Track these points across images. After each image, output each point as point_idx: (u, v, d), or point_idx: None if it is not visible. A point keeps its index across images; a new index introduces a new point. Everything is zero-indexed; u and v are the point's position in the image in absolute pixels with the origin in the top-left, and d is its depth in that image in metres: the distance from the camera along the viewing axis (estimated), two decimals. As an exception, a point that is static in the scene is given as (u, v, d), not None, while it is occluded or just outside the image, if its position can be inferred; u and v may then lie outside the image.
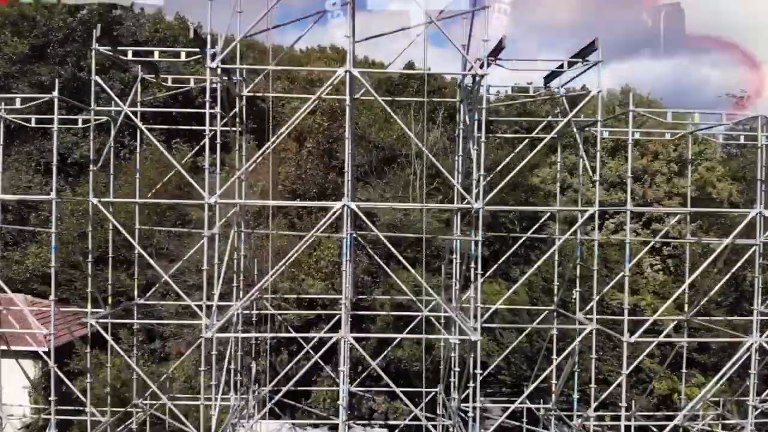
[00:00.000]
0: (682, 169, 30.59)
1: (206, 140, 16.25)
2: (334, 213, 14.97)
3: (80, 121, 19.94)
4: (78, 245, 33.32)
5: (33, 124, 19.37)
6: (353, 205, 14.89)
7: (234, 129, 19.45)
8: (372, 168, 33.58)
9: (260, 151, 16.34)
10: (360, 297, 27.66)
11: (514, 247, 22.03)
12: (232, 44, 15.77)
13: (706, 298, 20.00)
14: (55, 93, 16.84)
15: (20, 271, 32.38)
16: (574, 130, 18.50)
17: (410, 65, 37.45)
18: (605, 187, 30.87)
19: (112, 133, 18.85)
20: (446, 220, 30.31)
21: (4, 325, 24.20)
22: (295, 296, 25.88)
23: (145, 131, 18.12)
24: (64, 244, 32.84)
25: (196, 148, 26.34)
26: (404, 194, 31.16)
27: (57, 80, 19.91)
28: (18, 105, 17.72)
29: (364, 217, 15.39)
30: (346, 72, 14.63)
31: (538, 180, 33.74)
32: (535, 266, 21.44)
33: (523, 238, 23.09)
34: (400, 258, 16.40)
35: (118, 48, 17.92)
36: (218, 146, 16.47)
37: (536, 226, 23.77)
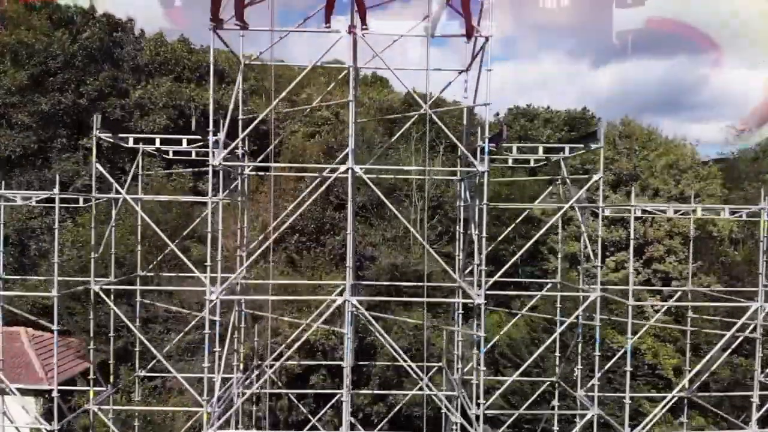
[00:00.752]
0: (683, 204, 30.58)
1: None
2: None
3: (81, 200, 19.64)
4: (79, 277, 33.36)
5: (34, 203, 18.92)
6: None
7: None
8: (372, 205, 33.51)
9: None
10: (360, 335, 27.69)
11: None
12: (239, 138, 15.58)
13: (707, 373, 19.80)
14: (56, 190, 16.50)
15: (21, 303, 32.32)
16: (577, 213, 18.25)
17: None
18: (605, 223, 30.87)
19: (113, 214, 18.56)
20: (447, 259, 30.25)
21: (6, 365, 24.08)
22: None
23: (145, 217, 17.86)
24: (65, 276, 32.84)
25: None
26: (405, 233, 31.12)
27: (57, 177, 18.91)
28: (19, 202, 17.43)
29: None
30: (348, 169, 14.53)
31: (539, 211, 33.70)
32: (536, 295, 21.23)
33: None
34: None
35: (119, 135, 17.70)
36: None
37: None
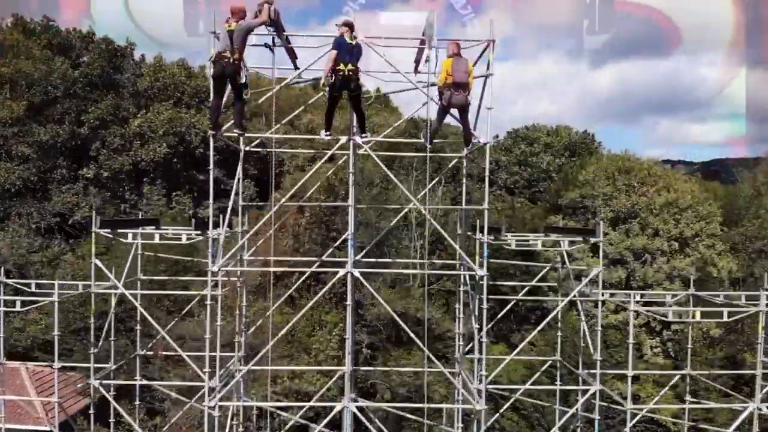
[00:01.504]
0: (682, 246, 30.56)
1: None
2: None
3: (80, 287, 19.56)
4: (80, 311, 33.43)
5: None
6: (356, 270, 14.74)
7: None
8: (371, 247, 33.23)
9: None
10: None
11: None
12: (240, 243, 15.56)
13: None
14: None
15: (21, 338, 32.44)
16: (578, 304, 18.15)
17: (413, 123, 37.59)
18: (605, 263, 30.84)
19: (112, 305, 18.49)
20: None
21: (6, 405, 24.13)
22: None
23: (144, 313, 17.77)
24: (65, 312, 32.92)
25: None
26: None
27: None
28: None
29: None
30: (347, 273, 14.49)
31: (539, 246, 33.62)
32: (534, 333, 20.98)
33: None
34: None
35: (118, 231, 17.66)
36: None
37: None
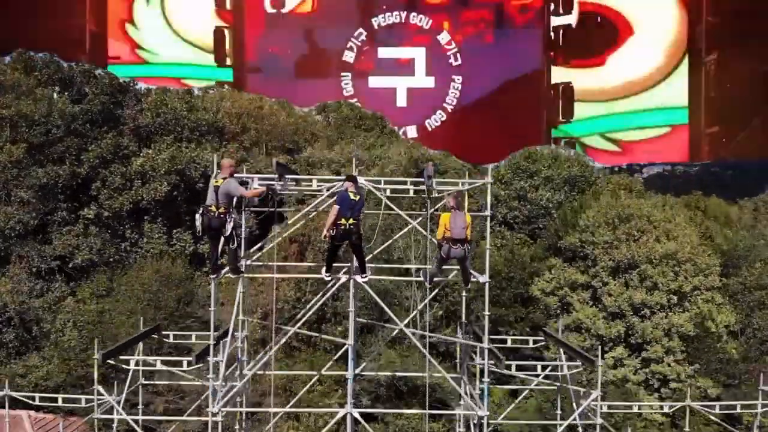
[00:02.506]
0: (681, 300, 30.70)
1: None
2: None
3: (83, 401, 19.60)
4: (80, 357, 33.62)
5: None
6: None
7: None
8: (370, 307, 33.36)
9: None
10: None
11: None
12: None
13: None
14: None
15: (23, 384, 32.60)
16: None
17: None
18: (605, 316, 31.01)
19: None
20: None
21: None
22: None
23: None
24: (65, 360, 33.12)
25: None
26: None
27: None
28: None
29: None
30: (346, 413, 14.69)
31: (539, 291, 33.84)
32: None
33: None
34: None
35: (120, 357, 17.76)
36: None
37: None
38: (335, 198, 14.06)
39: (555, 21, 67.75)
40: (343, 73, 67.66)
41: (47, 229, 35.90)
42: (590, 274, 32.99)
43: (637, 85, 71.96)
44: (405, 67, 68.00)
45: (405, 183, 17.14)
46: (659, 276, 30.68)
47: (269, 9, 67.14)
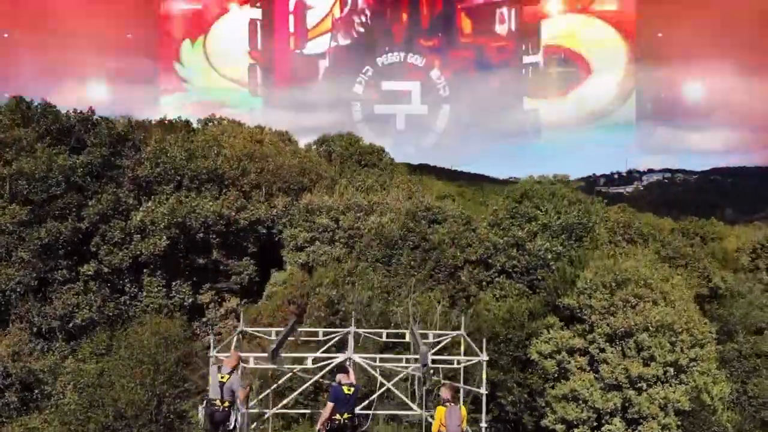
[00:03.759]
0: (678, 372, 30.90)
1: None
2: None
3: None
4: (80, 420, 33.85)
5: None
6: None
7: None
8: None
9: None
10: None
11: None
12: None
13: None
14: None
15: (24, 449, 32.94)
16: None
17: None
18: (602, 387, 31.21)
19: None
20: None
21: None
22: None
23: None
24: (65, 424, 33.35)
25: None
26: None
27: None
28: None
29: None
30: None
31: (537, 354, 34.02)
32: None
33: None
34: None
35: None
36: None
37: None
38: (329, 394, 14.14)
39: (526, 59, 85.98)
40: (353, 101, 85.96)
41: (47, 288, 36.07)
42: (588, 339, 33.19)
43: (594, 114, 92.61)
44: (403, 97, 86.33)
45: (401, 360, 16.99)
46: (656, 347, 30.89)
47: (293, 49, 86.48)
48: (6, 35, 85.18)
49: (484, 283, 40.48)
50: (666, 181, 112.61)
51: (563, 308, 35.75)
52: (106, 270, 37.36)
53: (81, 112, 41.10)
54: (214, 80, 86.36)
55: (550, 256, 40.60)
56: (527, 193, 50.19)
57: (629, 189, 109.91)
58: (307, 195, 43.33)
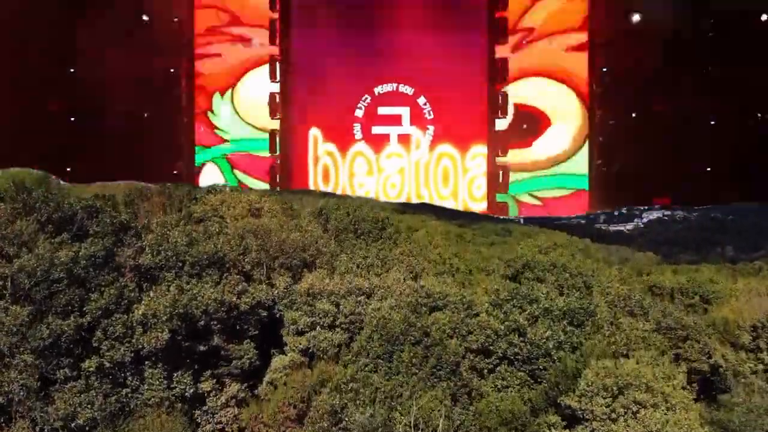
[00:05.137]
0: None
1: None
2: None
3: None
4: None
5: None
6: None
7: None
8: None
9: None
10: None
11: None
12: None
13: None
14: None
15: None
16: None
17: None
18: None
19: None
20: None
21: None
22: None
23: None
24: None
25: None
26: None
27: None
28: None
29: None
30: None
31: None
32: None
33: None
34: None
35: None
36: None
37: None
38: None
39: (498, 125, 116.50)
40: (355, 124, 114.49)
41: (49, 387, 36.10)
42: (590, 447, 33.27)
43: (553, 160, 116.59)
44: (396, 120, 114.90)
45: None
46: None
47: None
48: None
49: (485, 371, 40.48)
50: (666, 218, 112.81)
51: (565, 407, 35.82)
52: (107, 365, 37.40)
53: (84, 200, 41.28)
54: (241, 128, 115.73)
55: (551, 345, 40.64)
56: (528, 264, 50.26)
57: (629, 227, 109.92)
58: (308, 276, 43.37)
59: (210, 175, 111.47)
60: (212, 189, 55.38)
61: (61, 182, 78.47)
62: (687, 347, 46.13)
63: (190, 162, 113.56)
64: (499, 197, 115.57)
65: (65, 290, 36.93)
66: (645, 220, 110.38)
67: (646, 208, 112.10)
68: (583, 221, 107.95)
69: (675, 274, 71.94)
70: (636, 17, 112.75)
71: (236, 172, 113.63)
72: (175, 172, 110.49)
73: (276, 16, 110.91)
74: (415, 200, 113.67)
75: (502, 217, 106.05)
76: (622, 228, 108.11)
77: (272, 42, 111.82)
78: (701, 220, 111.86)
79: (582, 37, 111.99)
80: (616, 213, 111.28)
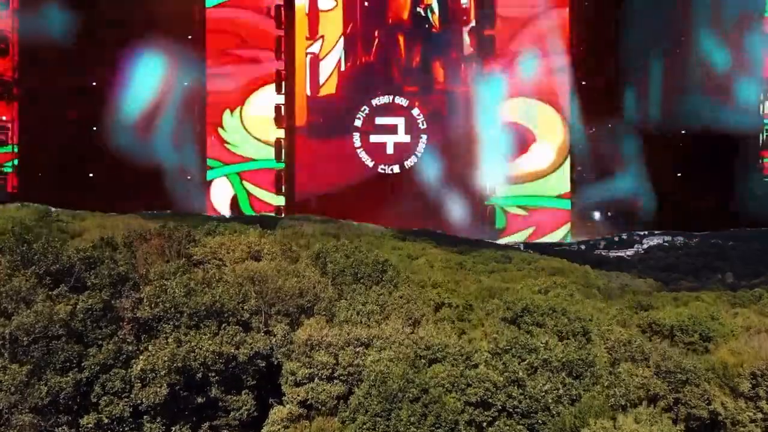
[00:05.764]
0: None
1: None
2: None
3: None
4: None
5: None
6: None
7: None
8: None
9: None
10: None
11: None
12: None
13: None
14: None
15: None
16: None
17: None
18: None
19: None
20: None
21: None
22: None
23: None
24: None
25: None
26: None
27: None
28: None
29: None
30: None
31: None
32: None
33: None
34: None
35: None
36: None
37: None
38: None
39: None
40: (354, 133, 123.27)
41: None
42: None
43: (538, 174, 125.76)
44: (392, 129, 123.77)
45: None
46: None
47: (308, 93, 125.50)
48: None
49: (484, 424, 40.40)
50: (666, 244, 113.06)
51: (565, 467, 35.85)
52: (106, 420, 37.34)
53: (82, 250, 41.29)
54: (248, 142, 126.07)
55: (550, 399, 40.58)
56: (528, 308, 50.27)
57: (629, 253, 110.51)
58: (306, 325, 43.23)
59: (221, 188, 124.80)
60: (211, 231, 55.34)
61: (60, 215, 78.64)
62: (686, 392, 46.09)
63: (201, 172, 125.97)
64: (487, 202, 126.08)
65: (63, 346, 36.82)
66: (645, 245, 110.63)
67: (646, 233, 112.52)
68: (583, 246, 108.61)
69: (675, 301, 71.88)
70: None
71: (245, 183, 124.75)
72: (188, 177, 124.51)
73: (282, 33, 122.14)
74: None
75: (502, 243, 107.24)
76: (622, 254, 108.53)
77: (278, 57, 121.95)
78: (701, 247, 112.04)
79: (563, 59, 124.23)
80: (616, 238, 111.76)
